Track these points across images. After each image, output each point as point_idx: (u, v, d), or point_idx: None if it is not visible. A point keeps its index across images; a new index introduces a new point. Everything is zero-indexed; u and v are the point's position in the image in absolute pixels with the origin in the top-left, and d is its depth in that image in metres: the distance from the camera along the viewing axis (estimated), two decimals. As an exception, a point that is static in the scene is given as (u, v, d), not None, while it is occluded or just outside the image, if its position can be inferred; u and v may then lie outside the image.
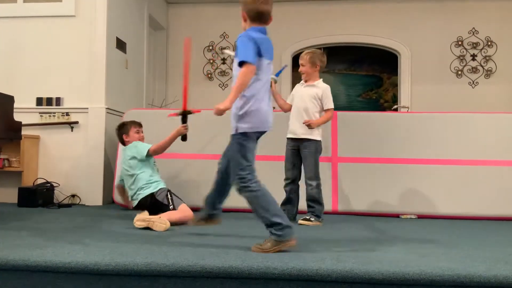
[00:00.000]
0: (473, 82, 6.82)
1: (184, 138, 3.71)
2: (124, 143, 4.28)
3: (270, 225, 2.51)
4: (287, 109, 3.98)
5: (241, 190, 2.58)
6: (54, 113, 5.15)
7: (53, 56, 5.19)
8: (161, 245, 2.62)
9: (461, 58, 6.85)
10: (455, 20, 6.87)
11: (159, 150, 4.03)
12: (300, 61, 3.92)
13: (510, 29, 6.78)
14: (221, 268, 2.07)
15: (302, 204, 3.90)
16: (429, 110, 5.98)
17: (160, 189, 3.95)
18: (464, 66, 6.85)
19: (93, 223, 3.66)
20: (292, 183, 3.90)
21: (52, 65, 5.19)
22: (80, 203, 4.99)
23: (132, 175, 4.02)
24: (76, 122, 5.12)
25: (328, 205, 4.39)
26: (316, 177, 3.81)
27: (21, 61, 5.23)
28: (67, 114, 5.15)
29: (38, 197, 4.67)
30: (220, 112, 2.46)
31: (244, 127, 2.55)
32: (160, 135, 4.54)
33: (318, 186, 3.81)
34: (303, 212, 3.88)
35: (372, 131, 4.58)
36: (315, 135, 3.82)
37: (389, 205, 4.47)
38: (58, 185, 4.97)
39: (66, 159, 5.08)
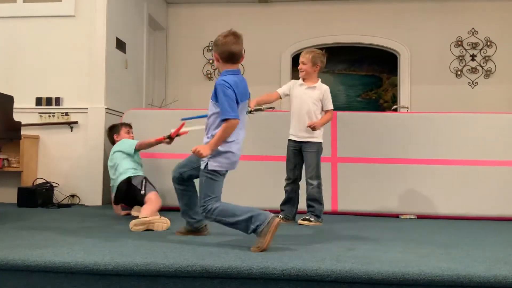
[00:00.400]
0: (472, 82, 6.83)
1: (169, 138, 3.66)
2: (114, 143, 4.32)
3: (246, 225, 2.57)
4: (273, 99, 3.92)
5: (208, 216, 2.73)
6: (54, 113, 5.15)
7: (52, 56, 5.19)
8: (160, 245, 2.62)
9: (460, 58, 6.86)
10: (454, 20, 6.87)
11: (143, 146, 4.10)
12: (301, 59, 3.88)
13: (510, 29, 6.78)
14: (220, 268, 2.07)
15: (303, 206, 3.89)
16: (429, 110, 5.98)
17: (138, 175, 4.00)
18: (464, 66, 6.85)
19: (92, 223, 3.66)
20: (293, 183, 3.90)
21: (52, 65, 5.19)
22: (79, 203, 4.99)
23: (113, 166, 4.08)
24: (76, 122, 5.12)
25: (327, 205, 4.39)
26: (317, 176, 3.81)
27: (20, 61, 5.22)
28: (67, 114, 5.15)
29: (38, 197, 4.67)
30: (200, 156, 2.67)
31: (214, 165, 2.72)
32: (159, 135, 4.54)
33: (319, 185, 3.81)
34: (303, 212, 3.88)
35: (371, 131, 4.58)
36: (317, 137, 3.82)
37: (388, 205, 4.47)
38: (57, 185, 4.97)
39: (66, 159, 5.08)
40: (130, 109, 5.20)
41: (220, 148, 2.70)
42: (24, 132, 4.64)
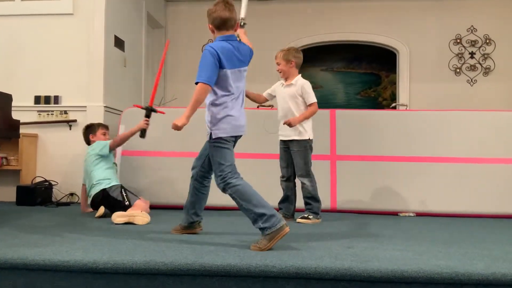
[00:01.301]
0: (471, 80, 6.83)
1: (142, 134, 3.73)
2: (89, 143, 4.31)
3: (256, 218, 2.55)
4: (263, 101, 3.99)
5: (224, 189, 2.68)
6: (52, 111, 5.14)
7: (51, 54, 5.18)
8: (159, 243, 2.62)
9: (459, 56, 6.86)
10: (453, 18, 6.87)
11: (118, 142, 4.13)
12: (276, 60, 3.90)
13: (509, 26, 6.78)
14: (219, 267, 2.07)
15: (301, 204, 3.90)
16: (428, 108, 5.99)
17: (113, 185, 3.98)
18: (463, 64, 6.85)
19: (91, 221, 3.65)
20: (287, 180, 3.91)
21: (50, 63, 5.18)
22: (78, 201, 4.99)
23: (88, 172, 4.09)
24: (75, 121, 5.11)
25: (326, 203, 4.40)
26: (308, 174, 3.80)
27: (19, 59, 5.22)
28: (65, 112, 5.14)
29: (37, 195, 4.67)
30: (177, 128, 2.66)
31: (217, 132, 2.71)
32: (157, 133, 4.55)
33: (312, 182, 3.80)
34: (301, 210, 3.88)
35: (370, 129, 4.58)
36: (303, 134, 3.79)
37: (387, 203, 4.47)
38: (56, 183, 4.96)
39: (65, 158, 5.08)
40: (128, 107, 5.20)
41: (218, 115, 2.70)
42: (22, 130, 4.64)
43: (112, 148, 4.14)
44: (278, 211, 3.91)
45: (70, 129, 5.10)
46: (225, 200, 4.51)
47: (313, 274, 2.03)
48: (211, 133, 2.73)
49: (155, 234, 3.04)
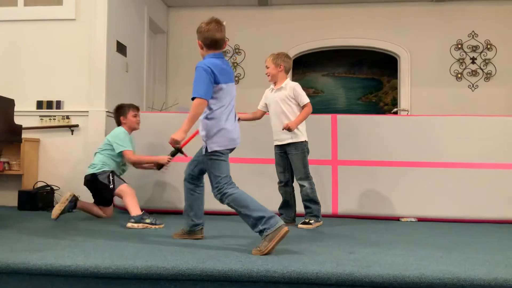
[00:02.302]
0: (473, 85, 6.83)
1: (159, 167, 3.87)
2: (120, 125, 4.26)
3: (255, 223, 2.58)
4: (259, 116, 4.00)
5: (222, 199, 2.74)
6: (55, 116, 5.16)
7: (53, 59, 5.20)
8: (161, 248, 2.62)
9: (460, 61, 6.87)
10: (454, 23, 6.88)
11: (133, 160, 4.09)
12: (265, 64, 3.92)
13: (510, 32, 6.79)
14: (221, 272, 2.07)
15: (301, 208, 3.89)
16: (429, 113, 6.00)
17: (103, 170, 4.02)
18: (464, 69, 6.86)
19: (93, 226, 3.66)
20: (285, 185, 3.91)
21: (53, 68, 5.20)
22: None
23: (96, 153, 4.16)
24: (77, 125, 5.12)
25: (328, 208, 4.39)
26: (307, 177, 3.80)
27: (21, 64, 5.24)
28: (67, 117, 5.16)
29: (38, 200, 4.68)
30: (175, 142, 2.74)
31: (213, 146, 2.77)
32: (159, 138, 4.56)
33: (311, 185, 3.79)
34: (302, 215, 3.88)
35: (372, 134, 4.58)
36: (299, 136, 3.79)
37: (389, 208, 4.46)
38: (58, 188, 4.97)
39: (66, 162, 5.09)
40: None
41: (213, 129, 2.76)
42: (24, 135, 4.64)
43: (126, 159, 4.09)
44: (278, 216, 3.92)
45: (72, 134, 5.12)
46: (224, 205, 4.54)
47: (314, 280, 2.03)
48: (206, 146, 2.79)
49: (157, 238, 3.04)
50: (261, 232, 2.56)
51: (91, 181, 4.03)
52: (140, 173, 4.42)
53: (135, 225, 3.62)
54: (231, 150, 2.89)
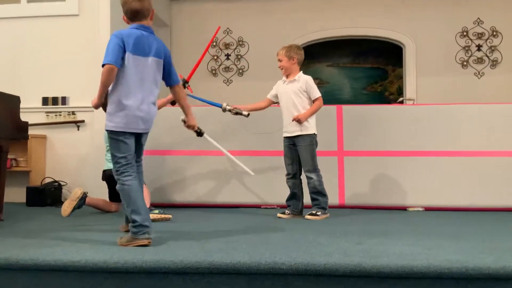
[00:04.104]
0: (479, 72, 6.78)
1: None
2: None
3: (131, 220, 2.59)
4: (267, 105, 4.03)
5: (117, 181, 2.68)
6: (60, 112, 5.18)
7: (57, 55, 5.21)
8: (169, 242, 2.63)
9: (466, 48, 6.81)
10: (459, 11, 6.82)
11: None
12: (277, 57, 3.92)
13: (516, 18, 6.72)
14: (229, 265, 2.08)
15: (308, 200, 3.90)
16: (435, 101, 5.96)
17: None
18: (470, 56, 6.80)
19: (101, 221, 3.68)
20: (293, 178, 3.91)
21: (57, 64, 5.21)
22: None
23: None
24: (82, 121, 5.14)
25: (334, 199, 4.39)
26: (315, 169, 3.80)
27: (26, 61, 5.25)
28: (73, 113, 5.17)
29: (46, 196, 4.71)
30: (94, 107, 2.77)
31: (109, 125, 2.66)
32: (163, 133, 4.57)
33: (319, 177, 3.80)
34: (309, 207, 3.88)
35: (377, 124, 4.57)
36: (308, 129, 3.80)
37: (395, 198, 4.46)
38: (65, 184, 5.00)
39: (73, 158, 5.11)
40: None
41: (112, 107, 2.66)
42: (31, 131, 4.66)
43: None
44: (286, 208, 3.93)
45: (78, 129, 5.13)
46: (232, 197, 4.55)
47: (322, 271, 2.03)
48: (106, 124, 2.70)
49: (165, 232, 3.05)
50: (133, 232, 2.56)
51: (111, 176, 4.00)
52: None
53: None
54: (138, 133, 2.72)
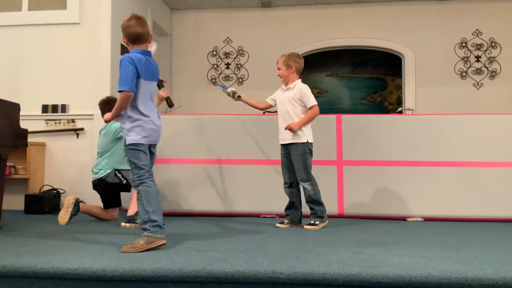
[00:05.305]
0: (477, 83, 6.81)
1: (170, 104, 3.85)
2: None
3: (146, 221, 2.72)
4: (265, 107, 4.07)
5: (138, 185, 2.82)
6: (60, 120, 5.18)
7: (58, 63, 5.23)
8: (167, 250, 2.63)
9: (465, 59, 6.84)
10: (458, 22, 6.86)
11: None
12: (277, 65, 3.94)
13: (514, 30, 6.76)
14: (227, 273, 2.07)
15: (307, 210, 3.89)
16: (434, 112, 5.97)
17: (106, 173, 4.08)
18: (469, 67, 6.84)
19: (99, 229, 3.66)
20: (290, 186, 3.90)
21: (57, 72, 5.22)
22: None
23: (106, 149, 4.13)
24: (82, 129, 5.14)
25: (334, 209, 4.38)
26: (308, 178, 3.78)
27: (26, 68, 5.26)
28: (73, 121, 5.18)
29: (45, 204, 4.70)
30: (105, 121, 3.06)
31: (131, 139, 2.85)
32: (164, 141, 4.57)
33: (313, 186, 3.77)
34: (308, 216, 3.87)
35: (377, 134, 4.57)
36: (301, 137, 3.78)
37: (395, 208, 4.45)
38: (64, 191, 4.98)
39: (72, 166, 5.11)
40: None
41: (134, 124, 2.85)
42: (30, 139, 4.66)
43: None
44: (284, 217, 3.92)
45: (78, 137, 5.13)
46: (230, 206, 4.54)
47: (321, 281, 2.03)
48: (125, 139, 2.89)
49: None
50: (146, 229, 2.70)
51: (102, 185, 4.08)
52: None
53: (127, 224, 3.77)
54: (152, 144, 2.96)
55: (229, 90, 4.09)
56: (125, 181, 4.04)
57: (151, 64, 2.95)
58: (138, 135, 2.84)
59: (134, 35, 2.90)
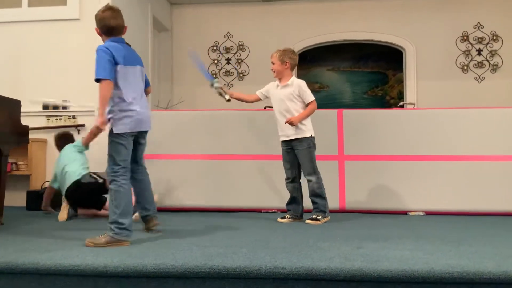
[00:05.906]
0: (479, 77, 6.79)
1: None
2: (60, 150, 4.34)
3: (113, 221, 2.68)
4: (253, 100, 4.03)
5: (110, 182, 2.79)
6: (61, 116, 5.18)
7: (58, 59, 5.22)
8: (169, 246, 2.63)
9: (466, 53, 6.82)
10: (459, 15, 6.84)
11: (88, 139, 4.26)
12: (271, 60, 3.91)
13: (516, 23, 6.74)
14: (229, 269, 2.08)
15: (308, 204, 3.89)
16: (436, 106, 5.95)
17: (82, 175, 4.10)
18: (470, 61, 6.81)
19: (100, 225, 3.66)
20: (292, 182, 3.91)
21: (58, 68, 5.22)
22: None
23: (61, 170, 4.15)
24: (83, 125, 5.14)
25: (335, 203, 4.38)
26: (314, 172, 3.79)
27: (26, 65, 5.26)
28: (74, 117, 5.18)
29: (47, 200, 4.69)
30: (101, 125, 2.76)
31: (116, 129, 2.79)
32: (165, 136, 4.57)
33: (318, 180, 3.79)
34: (309, 211, 3.87)
35: (378, 128, 4.56)
36: (305, 132, 3.79)
37: (396, 202, 4.45)
38: (65, 188, 4.98)
39: (74, 162, 5.10)
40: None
41: (119, 114, 2.79)
42: (32, 136, 4.66)
43: (86, 144, 4.27)
44: (286, 212, 3.93)
45: (79, 133, 5.13)
46: (232, 201, 4.54)
47: (323, 275, 2.03)
48: (111, 129, 2.82)
49: (165, 237, 3.05)
50: (111, 229, 2.68)
51: (79, 187, 4.03)
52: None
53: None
54: (139, 133, 2.91)
55: (216, 85, 3.84)
56: (101, 180, 4.01)
57: (128, 50, 2.91)
58: (121, 124, 2.78)
59: (108, 27, 2.87)
